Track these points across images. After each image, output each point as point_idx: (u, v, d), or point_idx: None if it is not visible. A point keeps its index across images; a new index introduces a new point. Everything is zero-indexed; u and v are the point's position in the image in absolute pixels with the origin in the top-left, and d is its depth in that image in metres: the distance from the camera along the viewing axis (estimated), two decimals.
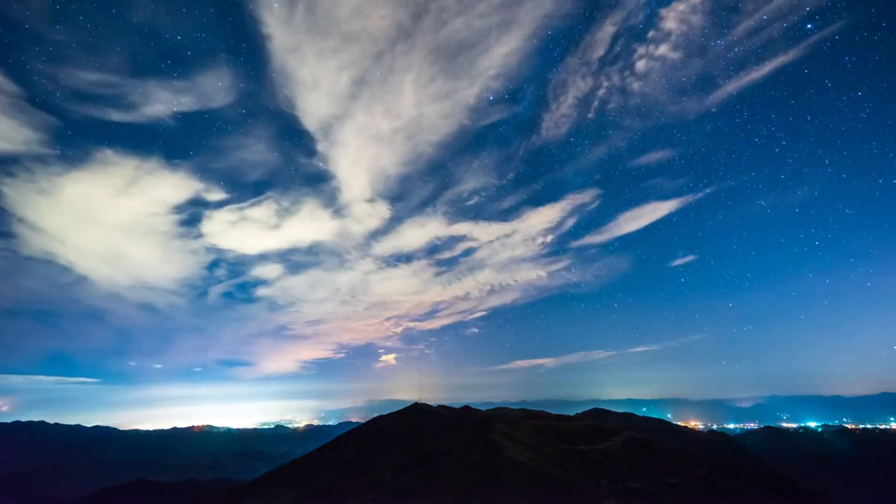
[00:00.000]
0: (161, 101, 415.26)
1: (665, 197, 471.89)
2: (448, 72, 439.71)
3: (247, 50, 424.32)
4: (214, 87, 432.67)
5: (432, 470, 53.90)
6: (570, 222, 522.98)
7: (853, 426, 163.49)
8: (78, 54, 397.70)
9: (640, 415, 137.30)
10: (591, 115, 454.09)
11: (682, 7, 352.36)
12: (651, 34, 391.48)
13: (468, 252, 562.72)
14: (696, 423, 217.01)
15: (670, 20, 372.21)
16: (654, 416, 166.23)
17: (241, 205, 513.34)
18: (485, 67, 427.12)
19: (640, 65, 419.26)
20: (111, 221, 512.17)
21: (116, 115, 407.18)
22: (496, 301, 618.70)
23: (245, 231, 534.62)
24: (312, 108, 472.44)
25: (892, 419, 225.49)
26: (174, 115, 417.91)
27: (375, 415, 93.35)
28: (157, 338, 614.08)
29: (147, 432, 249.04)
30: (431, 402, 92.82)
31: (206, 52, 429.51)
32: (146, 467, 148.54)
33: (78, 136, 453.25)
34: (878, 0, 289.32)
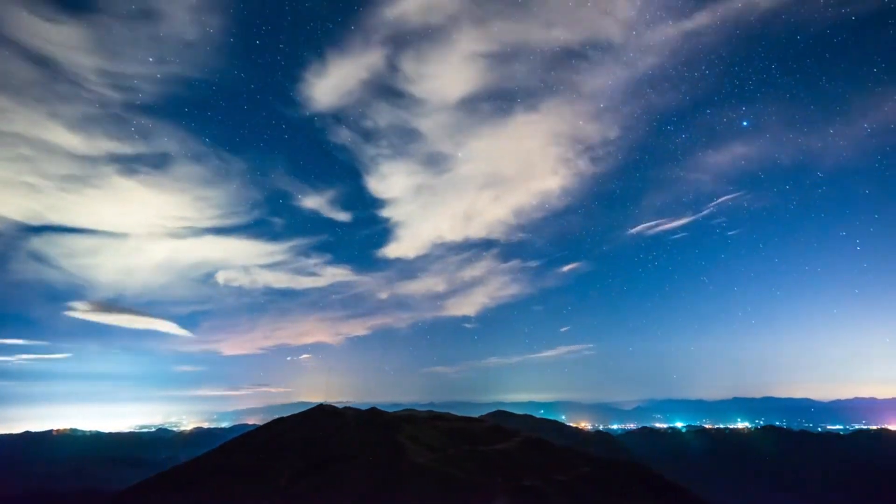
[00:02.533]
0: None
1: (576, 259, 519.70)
2: None
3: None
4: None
5: (333, 473, 52.64)
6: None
7: (710, 426, 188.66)
8: None
9: (538, 416, 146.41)
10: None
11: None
12: None
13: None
14: (585, 424, 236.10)
15: None
16: (551, 417, 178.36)
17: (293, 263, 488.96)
18: None
19: None
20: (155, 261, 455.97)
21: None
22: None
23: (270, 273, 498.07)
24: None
25: (739, 420, 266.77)
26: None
27: (276, 416, 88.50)
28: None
29: None
30: (338, 404, 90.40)
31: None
32: None
33: None
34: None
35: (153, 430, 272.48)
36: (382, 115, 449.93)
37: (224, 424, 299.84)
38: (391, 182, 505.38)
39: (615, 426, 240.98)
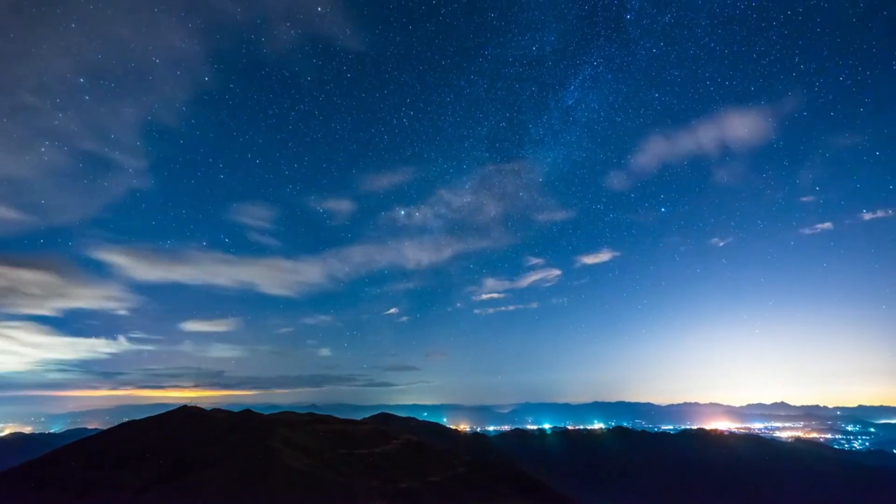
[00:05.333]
0: None
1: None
2: None
3: None
4: None
5: (192, 482, 47.68)
6: None
7: (572, 427, 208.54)
8: None
9: (421, 419, 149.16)
10: None
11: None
12: None
13: None
14: (465, 426, 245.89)
15: None
16: (433, 420, 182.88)
17: None
18: None
19: None
20: None
21: None
22: None
23: None
24: None
25: (596, 421, 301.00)
26: None
27: (125, 420, 77.45)
28: None
29: None
30: (206, 406, 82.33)
31: None
32: None
33: None
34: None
35: None
36: None
37: (54, 429, 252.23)
38: None
39: (491, 428, 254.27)
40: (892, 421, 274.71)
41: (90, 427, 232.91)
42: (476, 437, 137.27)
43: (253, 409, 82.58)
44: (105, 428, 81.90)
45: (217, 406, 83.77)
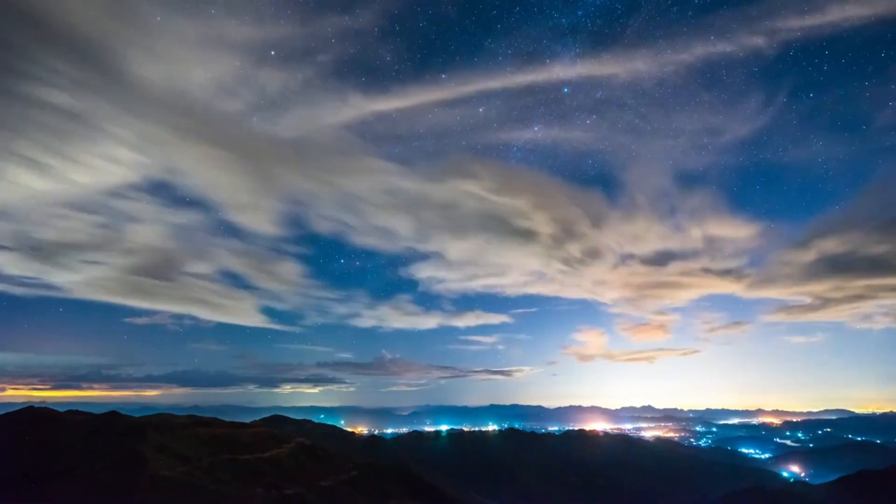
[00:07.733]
0: None
1: None
2: None
3: None
4: None
5: (36, 495, 41.28)
6: None
7: (468, 429, 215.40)
8: None
9: (316, 421, 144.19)
10: None
11: None
12: None
13: None
14: (362, 429, 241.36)
15: None
16: (330, 422, 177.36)
17: None
18: None
19: None
20: None
21: None
22: None
23: None
24: None
25: (491, 423, 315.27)
26: None
27: None
28: None
29: None
30: (58, 407, 71.32)
31: None
32: None
33: None
34: None
35: None
36: None
37: None
38: None
39: (389, 430, 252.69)
40: (730, 422, 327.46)
41: None
42: (371, 440, 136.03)
43: (120, 412, 73.54)
44: None
45: (74, 408, 73.14)
